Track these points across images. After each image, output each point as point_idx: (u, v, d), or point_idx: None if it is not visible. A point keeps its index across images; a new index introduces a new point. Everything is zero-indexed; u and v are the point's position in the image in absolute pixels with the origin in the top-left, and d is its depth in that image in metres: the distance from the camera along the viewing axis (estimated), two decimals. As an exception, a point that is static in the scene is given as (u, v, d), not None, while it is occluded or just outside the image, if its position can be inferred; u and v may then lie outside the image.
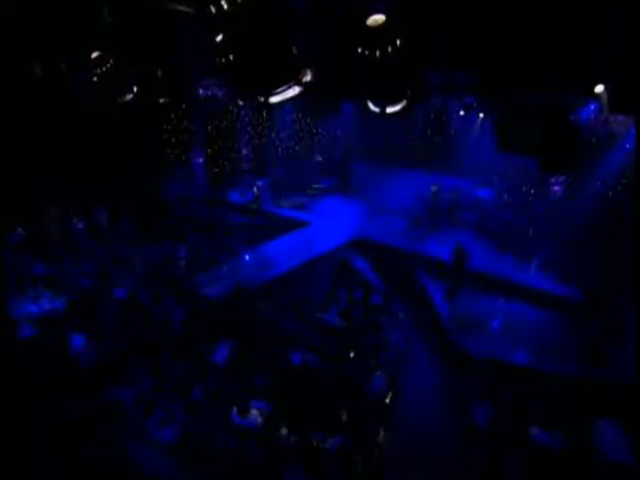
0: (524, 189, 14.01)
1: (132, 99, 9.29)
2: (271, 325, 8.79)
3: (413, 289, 11.27)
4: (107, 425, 6.31)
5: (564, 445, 6.31)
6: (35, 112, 9.90)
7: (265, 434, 6.21)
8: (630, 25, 4.61)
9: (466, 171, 15.48)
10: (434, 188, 14.89)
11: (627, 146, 9.87)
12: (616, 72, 5.56)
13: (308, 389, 7.03)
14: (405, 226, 14.13)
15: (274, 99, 7.00)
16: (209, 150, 16.51)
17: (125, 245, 11.64)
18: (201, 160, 16.10)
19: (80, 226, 11.86)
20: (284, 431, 6.22)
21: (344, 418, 6.46)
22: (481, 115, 13.63)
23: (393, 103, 8.29)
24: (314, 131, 19.39)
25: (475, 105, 11.75)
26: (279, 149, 18.72)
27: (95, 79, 8.05)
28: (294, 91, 6.83)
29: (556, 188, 12.60)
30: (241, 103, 16.89)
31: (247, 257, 11.99)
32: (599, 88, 6.43)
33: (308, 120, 18.99)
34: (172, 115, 14.88)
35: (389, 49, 5.63)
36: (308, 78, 7.08)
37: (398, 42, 5.63)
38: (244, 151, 17.97)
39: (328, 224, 14.27)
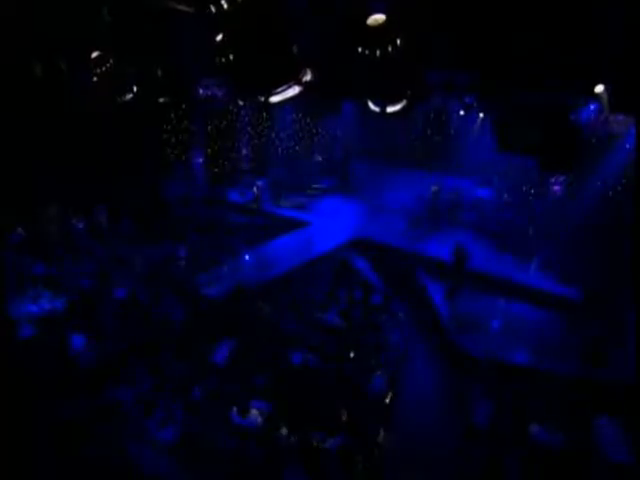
0: (524, 189, 14.02)
1: (132, 99, 9.29)
2: (271, 325, 8.79)
3: (413, 289, 11.27)
4: (107, 425, 6.31)
5: (564, 445, 6.32)
6: (35, 112, 9.89)
7: (265, 434, 6.21)
8: (630, 25, 4.61)
9: (466, 171, 15.49)
10: (434, 188, 14.90)
11: (627, 146, 9.88)
12: (616, 72, 5.56)
13: (308, 389, 7.03)
14: (405, 226, 14.13)
15: (274, 99, 7.01)
16: (209, 150, 16.51)
17: (125, 245, 11.64)
18: (201, 160, 16.10)
19: (80, 226, 11.85)
20: (284, 431, 6.21)
21: (344, 418, 6.46)
22: (481, 115, 13.64)
23: (393, 103, 8.29)
24: (314, 131, 19.39)
25: (475, 105, 11.75)
26: (279, 149, 18.73)
27: (95, 79, 8.05)
28: (294, 91, 6.83)
29: (556, 188, 12.61)
30: (241, 103, 16.90)
31: (247, 257, 11.99)
32: (599, 88, 6.43)
33: (308, 120, 19.00)
34: (172, 115, 14.88)
35: (389, 49, 5.62)
36: (308, 78, 7.07)
37: (398, 42, 5.63)
38: (244, 151, 17.97)
39: (328, 224, 14.27)
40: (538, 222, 12.68)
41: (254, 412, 6.37)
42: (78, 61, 7.68)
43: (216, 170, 16.98)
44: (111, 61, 7.80)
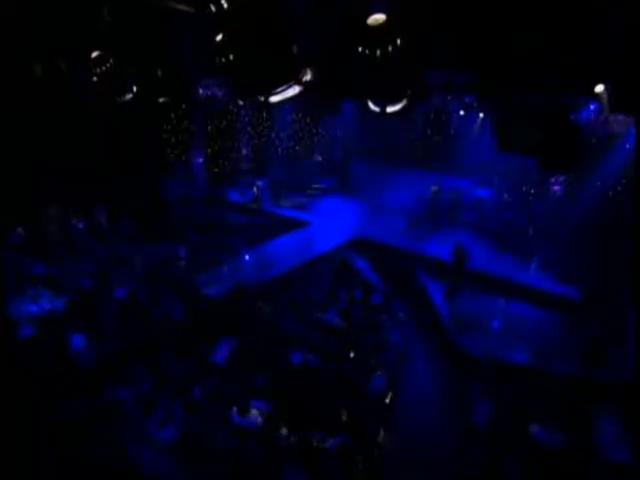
0: (524, 189, 14.02)
1: (132, 99, 9.28)
2: (271, 325, 8.79)
3: (413, 289, 11.27)
4: (107, 425, 6.31)
5: (564, 445, 6.32)
6: (35, 112, 9.89)
7: (265, 434, 6.21)
8: (630, 25, 4.61)
9: (466, 171, 15.49)
10: (434, 188, 14.90)
11: (627, 146, 9.88)
12: (616, 72, 5.56)
13: (308, 389, 7.03)
14: (405, 226, 14.13)
15: (274, 98, 7.00)
16: (209, 150, 16.51)
17: (125, 245, 11.63)
18: (201, 160, 16.10)
19: (80, 226, 11.85)
20: (284, 431, 6.21)
21: (344, 418, 6.46)
22: (481, 115, 13.64)
23: (393, 103, 8.28)
24: (314, 131, 19.39)
25: (475, 105, 11.76)
26: (279, 149, 18.72)
27: (95, 79, 8.05)
28: (294, 90, 6.82)
29: (556, 188, 12.62)
30: (241, 103, 16.90)
31: (247, 257, 11.99)
32: (599, 88, 6.43)
33: (308, 120, 19.00)
34: (172, 115, 14.88)
35: (389, 48, 5.62)
36: (308, 77, 7.07)
37: (398, 42, 5.63)
38: (244, 151, 17.96)
39: (328, 224, 14.27)
40: (538, 222, 12.68)
41: (254, 412, 6.37)
42: (78, 61, 7.67)
43: (216, 170, 16.98)
44: (111, 61, 7.80)
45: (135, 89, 9.14)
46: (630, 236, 5.22)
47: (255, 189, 15.85)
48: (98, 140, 11.57)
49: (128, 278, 9.81)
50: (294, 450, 6.01)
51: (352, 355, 8.05)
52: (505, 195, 14.52)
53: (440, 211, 14.61)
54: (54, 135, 10.59)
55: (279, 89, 6.57)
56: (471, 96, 10.97)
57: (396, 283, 11.44)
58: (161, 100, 10.77)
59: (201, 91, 12.75)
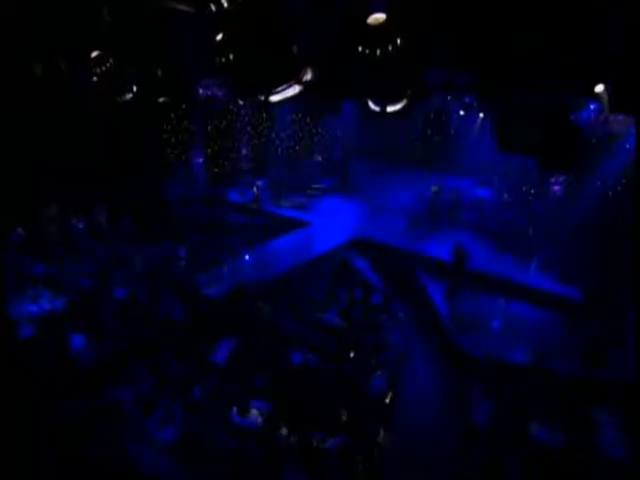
0: (524, 189, 14.04)
1: (132, 99, 9.28)
2: (271, 325, 8.78)
3: (413, 289, 11.27)
4: (107, 425, 6.31)
5: (564, 445, 6.32)
6: (35, 112, 9.89)
7: (265, 434, 6.21)
8: (630, 25, 4.61)
9: (466, 171, 15.52)
10: (434, 188, 14.90)
11: (627, 146, 9.89)
12: (616, 72, 5.55)
13: (308, 389, 7.03)
14: (405, 226, 14.13)
15: (274, 98, 7.00)
16: (209, 150, 16.51)
17: (125, 245, 11.63)
18: (201, 160, 16.10)
19: (80, 226, 11.85)
20: (284, 431, 6.21)
21: (344, 418, 6.46)
22: (481, 115, 13.65)
23: (394, 102, 8.28)
24: (314, 131, 19.41)
25: (475, 105, 11.77)
26: (279, 149, 18.73)
27: (95, 79, 8.04)
28: (294, 90, 6.82)
29: (556, 188, 12.63)
30: (241, 103, 16.90)
31: (247, 257, 11.99)
32: (599, 88, 6.43)
33: (308, 120, 19.01)
34: (172, 115, 14.88)
35: (390, 48, 5.62)
36: (308, 77, 7.06)
37: (399, 41, 5.62)
38: (244, 151, 17.97)
39: (328, 224, 14.27)
40: (538, 222, 12.68)
41: (254, 412, 6.37)
42: (78, 61, 7.67)
43: (216, 170, 16.98)
44: (111, 61, 7.80)
45: (135, 89, 9.14)
46: (630, 236, 5.22)
47: (255, 189, 15.85)
48: (98, 140, 11.57)
49: (128, 278, 9.80)
50: (294, 450, 6.01)
51: (352, 355, 8.05)
52: (505, 195, 14.53)
53: (440, 211, 14.62)
54: (54, 135, 10.59)
55: (279, 89, 6.57)
56: (471, 96, 10.97)
57: (396, 283, 11.44)
58: (161, 100, 10.76)
59: (201, 91, 12.75)
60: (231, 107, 16.89)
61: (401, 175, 16.24)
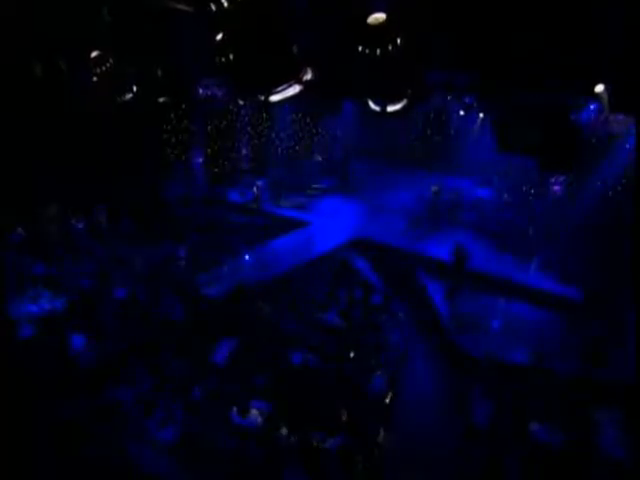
0: (524, 189, 14.06)
1: (132, 99, 9.28)
2: (271, 325, 8.78)
3: (413, 289, 11.27)
4: (107, 425, 6.31)
5: (564, 444, 6.32)
6: (35, 112, 9.89)
7: (265, 434, 6.21)
8: (630, 25, 4.61)
9: (466, 171, 15.53)
10: (434, 188, 14.91)
11: (627, 146, 9.90)
12: (616, 72, 5.55)
13: (308, 389, 7.03)
14: (405, 226, 14.13)
15: (274, 97, 6.99)
16: (209, 150, 16.51)
17: (125, 245, 11.63)
18: (201, 160, 16.10)
19: (80, 226, 11.85)
20: (284, 431, 6.21)
21: (344, 418, 6.46)
22: (481, 115, 13.66)
23: (394, 102, 8.27)
24: (314, 131, 19.41)
25: (475, 105, 11.77)
26: (279, 149, 18.73)
27: (95, 79, 8.04)
28: (294, 90, 6.82)
29: (556, 188, 12.65)
30: (241, 103, 16.90)
31: (247, 257, 11.99)
32: (599, 88, 6.43)
33: (308, 120, 19.02)
34: (172, 115, 14.88)
35: (390, 48, 5.62)
36: (309, 76, 7.06)
37: (399, 41, 5.62)
38: (244, 151, 17.97)
39: (328, 224, 14.27)
40: (538, 222, 12.69)
41: (254, 412, 6.37)
42: (78, 61, 7.67)
43: (216, 170, 16.98)
44: (111, 61, 7.79)
45: (135, 89, 9.13)
46: (630, 236, 5.22)
47: (255, 189, 15.85)
48: (98, 140, 11.57)
49: (128, 278, 9.81)
50: (294, 450, 6.01)
51: (352, 355, 8.05)
52: (505, 195, 14.54)
53: (440, 211, 14.62)
54: (54, 135, 10.59)
55: (279, 88, 6.56)
56: (471, 96, 10.98)
57: (396, 283, 11.44)
58: (161, 100, 10.76)
59: (201, 91, 12.75)
60: (231, 107, 16.89)
61: (401, 175, 16.25)
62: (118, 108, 9.58)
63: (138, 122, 12.59)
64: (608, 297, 9.28)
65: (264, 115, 18.12)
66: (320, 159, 18.93)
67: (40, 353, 7.07)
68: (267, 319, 8.99)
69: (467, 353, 8.54)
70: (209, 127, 16.39)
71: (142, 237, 12.17)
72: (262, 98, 7.69)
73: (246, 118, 17.61)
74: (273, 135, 18.48)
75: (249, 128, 17.88)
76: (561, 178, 12.47)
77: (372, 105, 8.77)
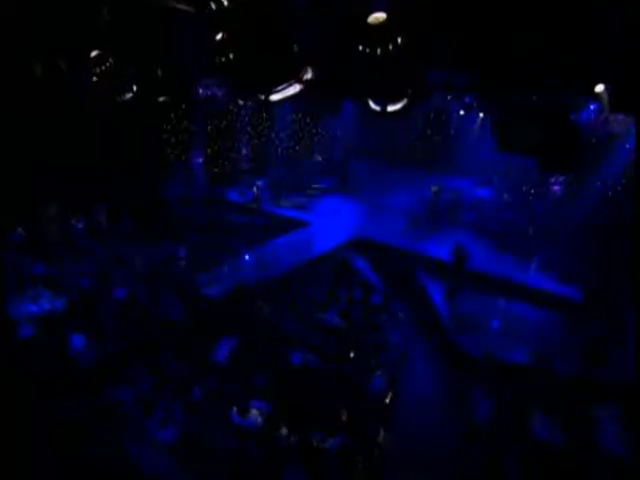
0: (524, 189, 14.06)
1: (132, 99, 9.28)
2: (271, 325, 8.78)
3: (413, 289, 11.27)
4: (107, 425, 6.31)
5: (564, 444, 6.32)
6: (35, 112, 9.89)
7: (265, 434, 6.20)
8: (630, 25, 4.61)
9: (466, 171, 15.54)
10: (434, 188, 14.91)
11: (627, 146, 9.90)
12: (616, 72, 5.55)
13: (308, 389, 7.03)
14: (405, 226, 14.12)
15: (274, 97, 6.99)
16: (209, 150, 16.51)
17: (125, 245, 11.63)
18: (201, 160, 16.10)
19: (80, 226, 11.85)
20: (284, 431, 6.21)
21: (344, 418, 6.46)
22: (481, 115, 13.67)
23: (394, 101, 8.27)
24: (314, 131, 19.41)
25: (475, 105, 11.77)
26: (279, 149, 18.74)
27: (95, 79, 8.04)
28: (295, 89, 6.82)
29: (556, 188, 12.65)
30: (241, 103, 16.90)
31: (247, 257, 11.99)
32: (599, 88, 6.43)
33: (308, 120, 19.02)
34: (172, 115, 14.88)
35: (390, 47, 5.61)
36: (309, 76, 7.06)
37: (399, 40, 5.62)
38: (244, 151, 17.97)
39: (328, 224, 14.27)
40: (538, 222, 12.69)
41: (254, 412, 6.37)
42: (78, 61, 7.67)
43: (216, 170, 16.98)
44: (111, 61, 7.79)
45: (135, 89, 9.13)
46: (630, 236, 5.22)
47: (255, 189, 15.85)
48: (98, 140, 11.57)
49: (128, 278, 9.80)
50: (294, 450, 6.01)
51: (352, 355, 8.05)
52: (505, 195, 14.54)
53: (440, 211, 14.62)
54: (54, 135, 10.58)
55: (279, 88, 6.56)
56: (471, 96, 10.97)
57: (396, 283, 11.44)
58: (161, 100, 10.76)
59: (201, 91, 12.75)
60: (231, 107, 16.89)
61: (401, 175, 16.24)
62: (118, 108, 9.58)
63: (138, 122, 12.59)
64: (608, 297, 9.28)
65: (264, 115, 18.12)
66: (320, 159, 18.94)
67: (40, 353, 7.06)
68: (267, 319, 8.99)
69: (467, 353, 8.54)
70: (209, 127, 16.39)
71: (142, 237, 12.17)
72: (262, 98, 7.69)
73: (246, 118, 17.61)
74: (273, 135, 18.48)
75: (249, 128, 17.88)
76: (561, 178, 12.48)
77: (372, 105, 8.76)
